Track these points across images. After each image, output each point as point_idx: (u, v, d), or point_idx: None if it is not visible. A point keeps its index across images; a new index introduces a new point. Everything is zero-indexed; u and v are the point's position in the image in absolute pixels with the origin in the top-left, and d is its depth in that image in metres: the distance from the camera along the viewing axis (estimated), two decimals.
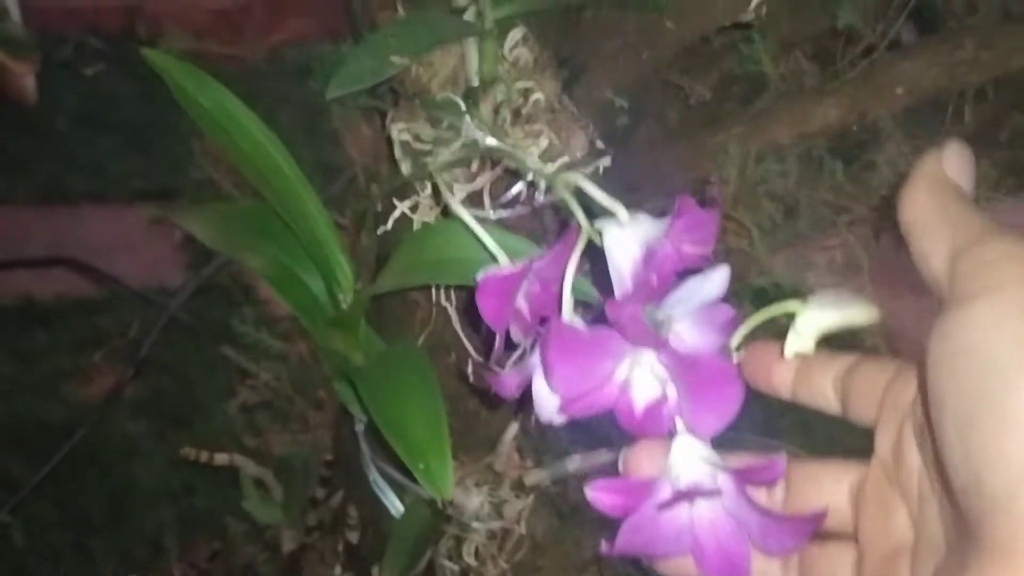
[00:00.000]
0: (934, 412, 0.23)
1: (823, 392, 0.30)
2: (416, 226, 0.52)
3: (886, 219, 0.51)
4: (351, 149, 0.81)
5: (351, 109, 0.82)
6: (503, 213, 0.50)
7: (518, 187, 0.49)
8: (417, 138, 0.49)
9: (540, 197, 0.49)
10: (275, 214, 0.50)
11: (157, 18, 2.24)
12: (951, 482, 0.23)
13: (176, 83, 0.45)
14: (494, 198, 0.49)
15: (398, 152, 0.50)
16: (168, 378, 1.49)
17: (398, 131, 0.49)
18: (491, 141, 0.47)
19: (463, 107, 0.47)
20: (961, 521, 0.23)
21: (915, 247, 0.25)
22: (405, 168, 0.50)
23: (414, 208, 0.51)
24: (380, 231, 0.51)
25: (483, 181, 0.47)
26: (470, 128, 0.47)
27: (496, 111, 0.48)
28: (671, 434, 0.27)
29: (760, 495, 0.29)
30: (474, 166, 0.48)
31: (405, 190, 0.51)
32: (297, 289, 0.51)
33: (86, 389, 1.45)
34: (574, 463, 0.57)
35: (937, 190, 0.25)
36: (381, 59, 0.40)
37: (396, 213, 0.51)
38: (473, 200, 0.49)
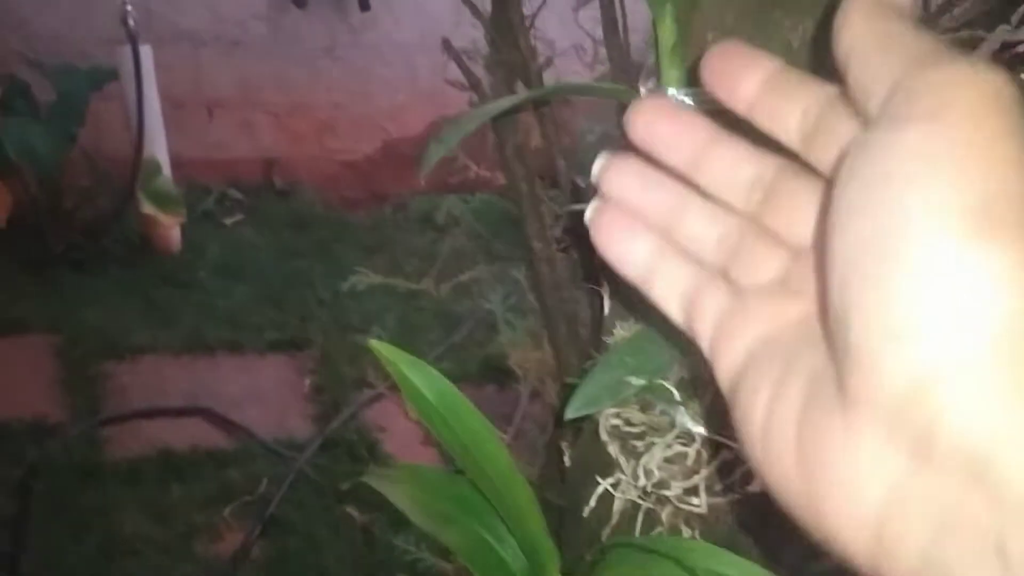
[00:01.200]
0: (827, 242, 0.21)
1: (785, 120, 0.24)
2: (617, 504, 0.51)
3: None
4: (516, 367, 0.82)
5: (520, 333, 0.83)
6: (713, 500, 0.48)
7: (734, 476, 0.48)
8: (627, 423, 0.49)
9: (753, 486, 0.48)
10: (472, 486, 0.50)
11: (292, 169, 2.36)
12: (826, 307, 0.21)
13: (401, 374, 0.46)
14: (708, 488, 0.48)
15: (604, 435, 0.49)
16: (294, 538, 1.50)
17: (607, 416, 0.49)
18: (706, 432, 0.46)
19: (677, 396, 0.47)
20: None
21: (853, 80, 0.22)
22: (613, 451, 0.49)
23: (616, 485, 0.50)
24: (585, 511, 0.50)
25: (699, 479, 0.46)
26: (684, 418, 0.47)
27: (712, 401, 0.47)
28: None
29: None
30: (689, 459, 0.47)
31: (607, 466, 0.51)
32: (495, 568, 0.50)
33: (216, 546, 1.47)
34: None
35: (877, 12, 0.22)
36: (618, 379, 0.40)
37: (599, 490, 0.50)
38: (688, 490, 0.47)
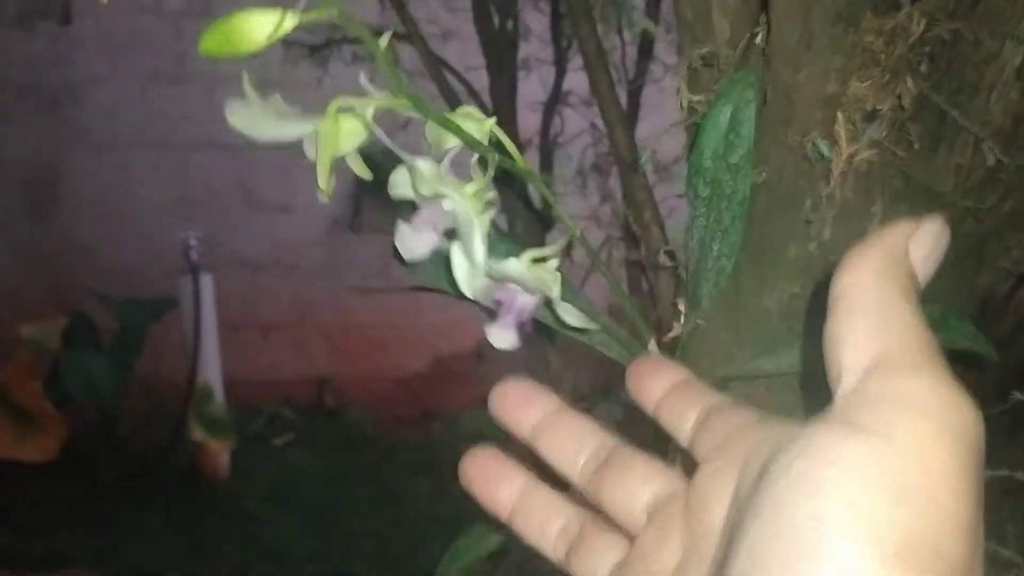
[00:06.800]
0: (738, 527, 0.20)
1: (683, 419, 0.27)
2: None
3: None
4: None
5: None
6: None
7: None
8: None
9: None
10: None
11: (344, 387, 2.38)
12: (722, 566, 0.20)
13: None
14: None
15: None
16: None
17: None
18: None
19: None
20: None
21: (834, 323, 0.21)
22: None
23: None
24: None
25: None
26: None
27: None
28: None
29: (569, 462, 0.28)
30: None
31: None
32: None
33: None
34: None
35: (891, 271, 0.21)
36: None
37: None
38: None
